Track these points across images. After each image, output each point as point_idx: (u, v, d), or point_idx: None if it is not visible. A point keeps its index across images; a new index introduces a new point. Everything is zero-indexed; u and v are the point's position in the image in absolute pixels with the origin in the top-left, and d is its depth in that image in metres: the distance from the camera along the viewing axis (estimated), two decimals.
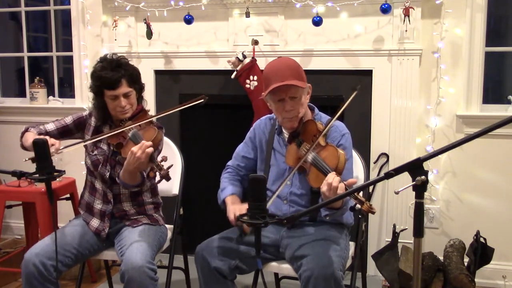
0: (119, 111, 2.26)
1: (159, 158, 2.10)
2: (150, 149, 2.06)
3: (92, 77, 2.28)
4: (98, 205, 2.37)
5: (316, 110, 2.28)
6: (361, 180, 2.39)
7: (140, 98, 2.37)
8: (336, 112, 2.05)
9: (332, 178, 1.87)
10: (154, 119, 2.35)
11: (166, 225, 2.57)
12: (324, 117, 2.26)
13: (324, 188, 1.88)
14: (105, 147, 2.35)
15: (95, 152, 2.34)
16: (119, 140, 2.22)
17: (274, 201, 2.19)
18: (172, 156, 2.72)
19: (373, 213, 1.79)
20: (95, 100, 2.32)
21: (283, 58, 2.23)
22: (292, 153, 2.15)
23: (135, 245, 2.16)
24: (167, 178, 2.05)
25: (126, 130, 2.21)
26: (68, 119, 2.41)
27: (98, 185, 2.37)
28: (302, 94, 2.13)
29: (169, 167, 2.05)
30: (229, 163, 2.42)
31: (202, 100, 2.28)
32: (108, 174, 2.33)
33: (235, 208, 2.13)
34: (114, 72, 2.21)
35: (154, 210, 2.45)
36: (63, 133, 2.39)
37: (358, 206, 1.82)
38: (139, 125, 2.25)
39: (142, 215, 2.39)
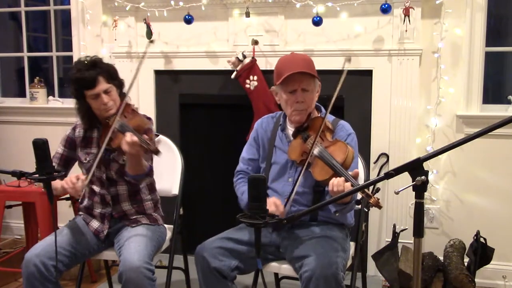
0: (103, 109, 2.25)
1: (145, 137, 2.08)
2: (134, 138, 2.04)
3: (71, 82, 2.28)
4: (97, 209, 2.37)
5: (323, 109, 2.29)
6: (361, 180, 2.39)
7: (122, 94, 2.36)
8: (335, 90, 2.00)
9: (336, 181, 1.87)
10: (129, 97, 2.33)
11: (166, 225, 2.57)
12: (330, 117, 2.26)
13: (330, 191, 1.89)
14: (95, 150, 2.34)
15: (88, 158, 2.34)
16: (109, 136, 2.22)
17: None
18: (172, 156, 2.72)
19: (380, 207, 1.79)
20: (78, 104, 2.32)
21: (297, 53, 2.26)
22: (296, 147, 2.14)
23: (132, 246, 2.16)
24: (157, 152, 2.04)
25: (113, 125, 2.18)
26: (60, 149, 2.40)
27: (96, 189, 2.37)
28: (314, 88, 2.15)
29: (156, 140, 2.04)
30: (238, 168, 2.40)
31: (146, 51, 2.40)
32: (104, 175, 2.33)
33: (270, 202, 2.04)
34: (90, 71, 2.22)
35: (154, 209, 2.45)
36: (65, 164, 2.40)
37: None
38: (125, 116, 2.24)
39: (141, 214, 2.39)
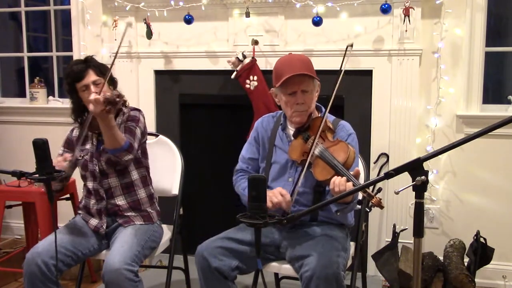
0: None
1: (107, 94, 2.12)
2: (96, 96, 2.09)
3: (64, 78, 2.36)
4: (94, 206, 2.39)
5: (323, 109, 2.29)
6: (361, 180, 2.39)
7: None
8: (338, 77, 2.02)
9: (338, 180, 1.88)
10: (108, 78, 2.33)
11: (166, 225, 2.56)
12: (331, 117, 2.26)
13: (332, 190, 1.89)
14: (89, 146, 2.38)
15: (82, 154, 2.39)
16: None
17: None
18: (172, 156, 2.72)
19: (382, 207, 1.79)
20: (72, 103, 2.38)
21: (294, 54, 2.25)
22: (297, 147, 2.14)
23: (116, 247, 2.18)
24: (114, 103, 2.09)
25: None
26: (60, 150, 2.46)
27: (90, 185, 2.40)
28: (313, 89, 2.15)
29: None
30: (237, 167, 2.40)
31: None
32: (97, 167, 2.36)
33: (276, 192, 2.06)
34: (79, 65, 2.32)
35: (149, 203, 2.45)
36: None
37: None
38: None
39: (136, 211, 2.40)
